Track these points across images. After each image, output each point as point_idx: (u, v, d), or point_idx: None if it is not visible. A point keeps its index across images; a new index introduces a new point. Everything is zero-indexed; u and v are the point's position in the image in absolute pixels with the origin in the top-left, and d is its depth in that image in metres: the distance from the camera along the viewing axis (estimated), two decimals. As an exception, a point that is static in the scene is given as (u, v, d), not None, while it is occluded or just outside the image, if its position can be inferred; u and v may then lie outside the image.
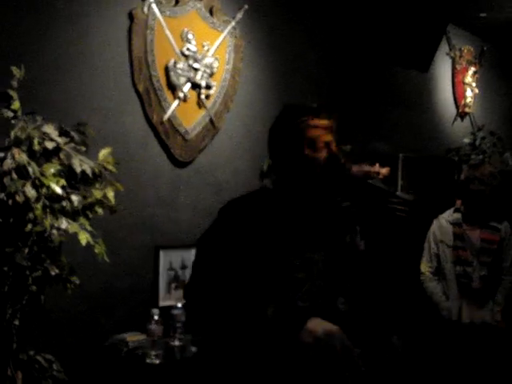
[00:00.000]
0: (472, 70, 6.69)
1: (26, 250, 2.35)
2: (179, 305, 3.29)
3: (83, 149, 2.54)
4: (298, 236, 1.81)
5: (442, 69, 6.28)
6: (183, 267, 3.61)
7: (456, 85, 6.51)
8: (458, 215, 3.75)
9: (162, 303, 3.47)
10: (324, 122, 1.86)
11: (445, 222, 3.78)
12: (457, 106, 6.52)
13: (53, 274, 2.42)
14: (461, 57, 6.53)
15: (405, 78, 5.60)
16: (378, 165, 3.42)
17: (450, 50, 6.35)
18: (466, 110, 6.61)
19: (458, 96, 6.52)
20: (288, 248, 1.77)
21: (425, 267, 3.74)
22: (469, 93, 6.64)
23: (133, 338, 3.13)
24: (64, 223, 2.38)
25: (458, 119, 6.54)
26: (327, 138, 1.84)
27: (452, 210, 3.82)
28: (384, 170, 3.44)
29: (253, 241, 1.76)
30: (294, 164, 1.86)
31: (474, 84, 6.70)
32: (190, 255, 3.59)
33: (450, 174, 5.22)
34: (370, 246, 1.89)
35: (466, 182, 3.70)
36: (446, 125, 6.35)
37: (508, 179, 5.38)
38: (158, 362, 2.99)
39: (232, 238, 1.79)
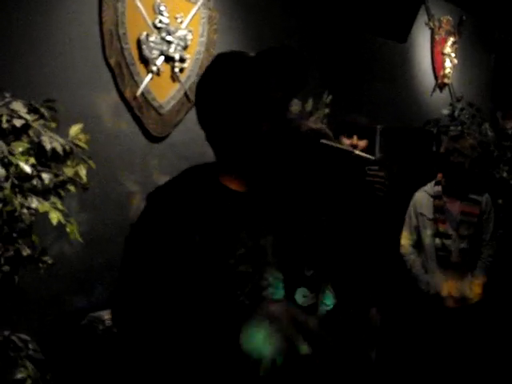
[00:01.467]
0: (451, 40, 6.65)
1: (-3, 231, 2.32)
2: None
3: (53, 126, 2.52)
4: (238, 220, 1.48)
5: (421, 39, 6.24)
6: (160, 243, 3.58)
7: (435, 55, 6.48)
8: (438, 188, 3.76)
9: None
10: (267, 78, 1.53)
11: (425, 194, 3.79)
12: (436, 77, 6.50)
13: (25, 254, 2.40)
14: (440, 27, 6.49)
15: (383, 48, 5.56)
16: (355, 137, 3.39)
17: (429, 20, 6.31)
18: (445, 80, 6.59)
19: (436, 67, 6.50)
20: (227, 236, 1.45)
21: (405, 240, 3.75)
22: (448, 63, 6.61)
23: (109, 316, 3.11)
24: (35, 202, 2.35)
25: (437, 90, 6.52)
26: (273, 98, 1.51)
27: (433, 182, 3.82)
28: (362, 143, 3.42)
29: (185, 232, 1.44)
30: (232, 133, 1.53)
31: (453, 54, 6.67)
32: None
33: (429, 146, 5.23)
34: (335, 219, 1.63)
35: (446, 153, 3.69)
36: (424, 96, 6.34)
37: (486, 150, 5.41)
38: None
39: (161, 230, 1.47)
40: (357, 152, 1.48)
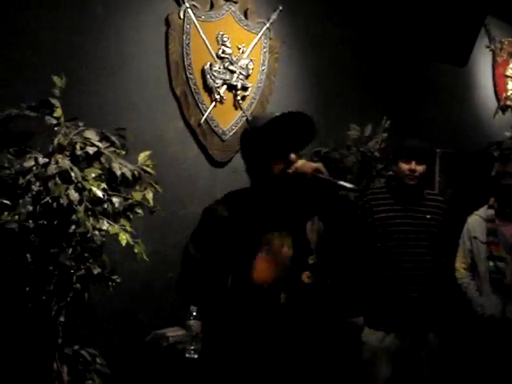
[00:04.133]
0: (513, 62, 6.60)
1: (70, 251, 2.44)
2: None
3: (123, 152, 2.63)
4: (263, 222, 2.08)
5: (482, 62, 6.21)
6: (222, 264, 3.69)
7: (497, 78, 6.43)
8: (491, 211, 3.74)
9: (201, 299, 3.55)
10: (283, 134, 2.09)
11: (479, 218, 3.76)
12: (498, 99, 6.44)
13: (95, 272, 2.52)
14: (501, 49, 6.45)
15: (443, 72, 5.57)
16: (414, 162, 3.39)
17: (490, 42, 6.28)
18: (508, 103, 6.53)
19: (499, 89, 6.45)
20: (255, 231, 2.06)
21: (459, 264, 3.73)
22: (510, 85, 6.55)
23: (173, 333, 3.23)
24: (105, 225, 2.48)
25: (500, 112, 6.46)
26: (285, 148, 2.07)
27: (486, 206, 3.81)
28: (420, 168, 3.41)
29: (228, 231, 2.06)
30: (257, 169, 2.15)
31: (515, 76, 6.62)
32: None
33: (489, 169, 5.17)
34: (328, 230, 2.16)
35: (497, 177, 3.71)
36: (487, 119, 6.29)
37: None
38: (196, 356, 3.08)
39: (211, 232, 2.10)
40: (340, 182, 2.03)
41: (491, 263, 3.63)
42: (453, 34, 5.22)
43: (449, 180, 4.97)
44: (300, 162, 2.06)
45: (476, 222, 3.77)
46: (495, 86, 6.42)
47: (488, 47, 6.26)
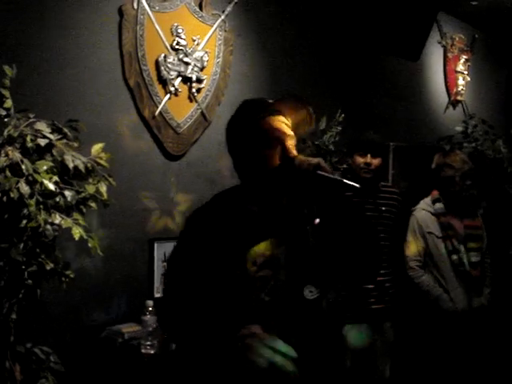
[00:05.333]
0: (464, 58, 6.72)
1: (22, 246, 2.40)
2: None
3: (75, 145, 2.59)
4: (259, 233, 1.83)
5: (434, 57, 6.31)
6: (178, 259, 3.66)
7: (448, 73, 6.53)
8: (440, 205, 3.72)
9: (156, 295, 3.52)
10: (281, 120, 1.90)
11: (427, 213, 3.72)
12: (449, 95, 6.55)
13: (48, 268, 2.47)
14: (452, 45, 6.55)
15: (396, 67, 5.64)
16: (369, 156, 3.44)
17: (442, 38, 6.38)
18: (458, 98, 6.64)
19: (449, 84, 6.55)
20: (250, 246, 1.80)
21: (414, 262, 3.65)
22: (461, 81, 6.67)
23: (128, 329, 3.18)
24: (58, 218, 2.43)
25: (450, 107, 6.57)
26: (283, 136, 1.87)
27: (429, 200, 3.78)
28: (376, 161, 3.46)
29: (217, 243, 1.81)
30: (251, 161, 1.89)
31: (465, 72, 6.73)
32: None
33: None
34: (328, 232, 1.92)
35: (437, 169, 3.72)
36: (437, 113, 6.39)
37: (500, 167, 5.44)
38: (152, 351, 3.04)
39: (199, 242, 1.84)
40: (345, 180, 1.81)
41: (454, 256, 3.62)
42: (405, 29, 5.30)
43: (402, 173, 5.04)
44: (298, 158, 1.85)
45: (426, 217, 3.72)
46: (446, 81, 6.53)
47: (440, 43, 6.36)
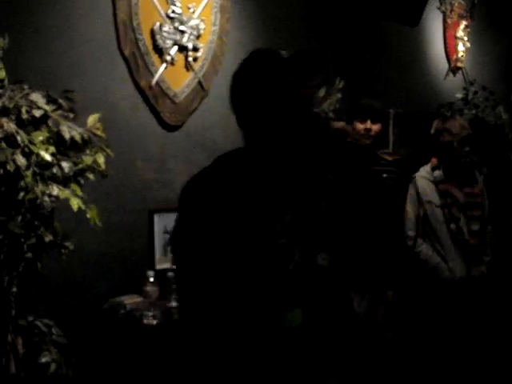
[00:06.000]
0: (463, 23, 6.64)
1: (20, 218, 2.38)
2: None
3: (71, 115, 2.55)
4: (274, 199, 1.72)
5: (433, 23, 6.24)
6: (178, 230, 3.65)
7: (447, 39, 6.46)
8: (439, 172, 3.67)
9: (158, 266, 3.51)
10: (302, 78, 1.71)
11: (426, 181, 3.68)
12: (449, 61, 6.49)
13: (47, 240, 2.46)
14: (452, 11, 6.47)
15: (395, 33, 5.57)
16: (369, 121, 3.41)
17: (441, 4, 6.30)
18: (458, 64, 6.58)
19: (449, 51, 6.48)
20: (267, 213, 1.70)
21: (413, 232, 3.62)
22: (461, 47, 6.60)
23: (130, 300, 3.19)
24: (55, 190, 2.40)
25: (450, 74, 6.51)
26: (306, 94, 1.72)
27: (428, 167, 3.73)
28: (376, 127, 3.43)
29: (230, 210, 1.66)
30: (266, 121, 1.69)
31: (465, 38, 6.66)
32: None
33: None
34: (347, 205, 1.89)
35: (436, 134, 3.67)
36: (438, 80, 6.33)
37: (501, 133, 5.42)
38: (155, 322, 3.05)
39: (210, 212, 1.67)
40: (380, 152, 1.70)
41: (453, 225, 3.60)
42: (404, -6, 5.22)
43: (403, 140, 5.00)
44: (333, 124, 1.75)
45: (425, 185, 3.67)
46: (446, 47, 6.46)
47: (439, 8, 6.28)
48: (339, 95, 4.10)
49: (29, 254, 2.46)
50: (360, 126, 3.40)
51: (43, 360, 2.50)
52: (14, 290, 2.47)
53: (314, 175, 1.85)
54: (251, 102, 1.70)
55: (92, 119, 2.61)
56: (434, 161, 3.73)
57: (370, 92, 4.74)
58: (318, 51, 1.80)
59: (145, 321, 3.04)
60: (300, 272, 1.73)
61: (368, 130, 3.39)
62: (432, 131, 3.73)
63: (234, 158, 1.77)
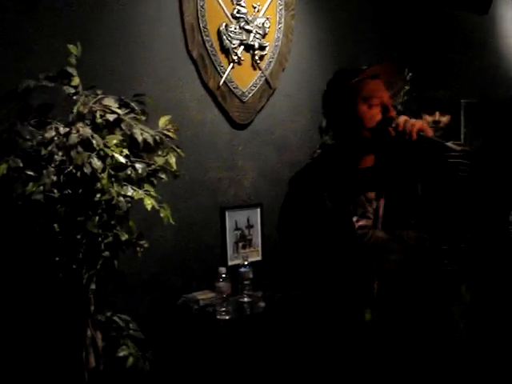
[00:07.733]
0: (536, 8, 6.40)
1: (97, 218, 2.46)
2: (246, 263, 3.40)
3: (143, 118, 2.61)
4: (361, 189, 1.99)
5: (504, 10, 6.04)
6: (249, 226, 3.71)
7: (519, 25, 6.25)
8: None
9: (230, 263, 3.58)
10: (377, 81, 1.97)
11: None
12: (522, 48, 6.27)
13: (123, 239, 2.53)
14: (524, -5, 6.25)
15: (464, 21, 5.43)
16: (438, 113, 3.37)
17: (511, -11, 6.10)
18: (532, 50, 6.35)
19: (522, 36, 6.27)
20: (352, 200, 1.99)
21: None
22: (534, 33, 6.36)
23: (203, 296, 3.26)
24: (130, 190, 2.47)
25: (524, 60, 6.29)
26: (381, 95, 1.95)
27: None
28: (445, 119, 3.39)
29: (325, 202, 1.99)
30: (349, 122, 1.98)
31: (540, 22, 6.41)
32: (255, 214, 3.69)
33: (516, 119, 5.06)
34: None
35: None
36: (510, 67, 6.14)
37: None
38: (227, 317, 3.11)
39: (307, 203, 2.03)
40: (448, 144, 1.84)
41: None
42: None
43: (475, 131, 4.88)
44: (402, 118, 1.88)
45: None
46: (518, 33, 6.24)
47: (510, -6, 6.09)
48: (407, 87, 4.04)
49: (106, 253, 2.54)
50: (428, 119, 3.37)
51: (121, 354, 2.58)
52: (93, 287, 2.55)
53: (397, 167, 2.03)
54: (338, 107, 2.01)
55: (163, 121, 2.67)
56: None
57: (440, 83, 4.66)
58: (393, 63, 2.03)
59: (217, 316, 3.11)
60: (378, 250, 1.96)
61: (437, 122, 3.35)
62: None
63: (329, 154, 2.12)
